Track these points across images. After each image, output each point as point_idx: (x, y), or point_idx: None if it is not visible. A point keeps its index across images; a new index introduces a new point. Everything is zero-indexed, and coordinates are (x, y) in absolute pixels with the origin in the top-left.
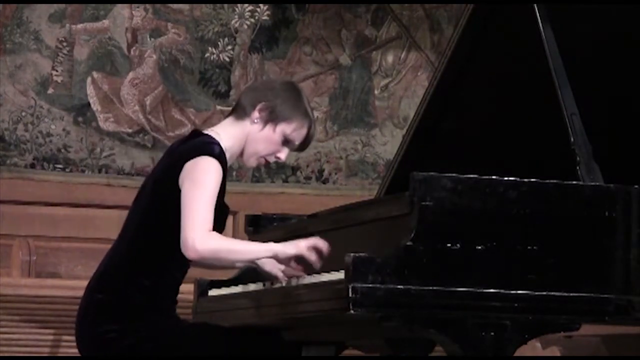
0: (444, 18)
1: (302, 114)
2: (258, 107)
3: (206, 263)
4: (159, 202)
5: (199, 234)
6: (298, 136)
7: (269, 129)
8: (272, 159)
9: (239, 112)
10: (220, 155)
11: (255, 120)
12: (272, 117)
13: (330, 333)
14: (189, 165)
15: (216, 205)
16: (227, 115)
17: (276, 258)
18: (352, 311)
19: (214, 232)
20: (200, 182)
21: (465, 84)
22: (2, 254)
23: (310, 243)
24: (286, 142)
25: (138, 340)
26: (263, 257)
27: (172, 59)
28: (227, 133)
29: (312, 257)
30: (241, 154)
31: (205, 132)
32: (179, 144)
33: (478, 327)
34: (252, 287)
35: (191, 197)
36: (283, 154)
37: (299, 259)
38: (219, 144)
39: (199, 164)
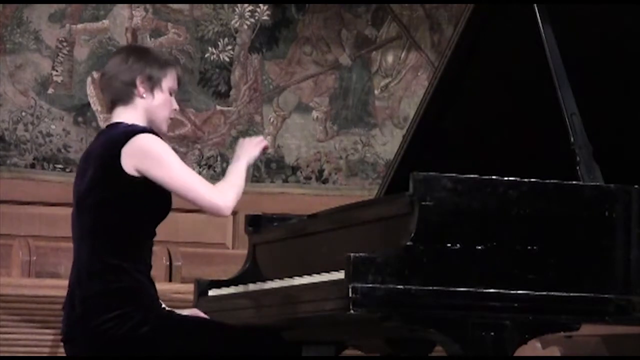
0: (444, 18)
1: (168, 62)
2: (137, 82)
3: None
4: (109, 194)
5: (215, 196)
6: (176, 82)
7: (158, 93)
8: (173, 115)
9: (122, 99)
10: (150, 130)
11: (144, 95)
12: (153, 83)
13: (330, 333)
14: (132, 150)
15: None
16: (112, 109)
17: (249, 164)
18: (352, 311)
19: (219, 186)
20: (163, 158)
21: (465, 84)
22: (2, 254)
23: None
24: (172, 92)
25: (134, 326)
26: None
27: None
28: (130, 119)
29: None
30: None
31: (112, 124)
32: (92, 145)
33: (478, 327)
34: (252, 287)
35: (173, 178)
36: (175, 104)
37: None
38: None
39: (143, 143)
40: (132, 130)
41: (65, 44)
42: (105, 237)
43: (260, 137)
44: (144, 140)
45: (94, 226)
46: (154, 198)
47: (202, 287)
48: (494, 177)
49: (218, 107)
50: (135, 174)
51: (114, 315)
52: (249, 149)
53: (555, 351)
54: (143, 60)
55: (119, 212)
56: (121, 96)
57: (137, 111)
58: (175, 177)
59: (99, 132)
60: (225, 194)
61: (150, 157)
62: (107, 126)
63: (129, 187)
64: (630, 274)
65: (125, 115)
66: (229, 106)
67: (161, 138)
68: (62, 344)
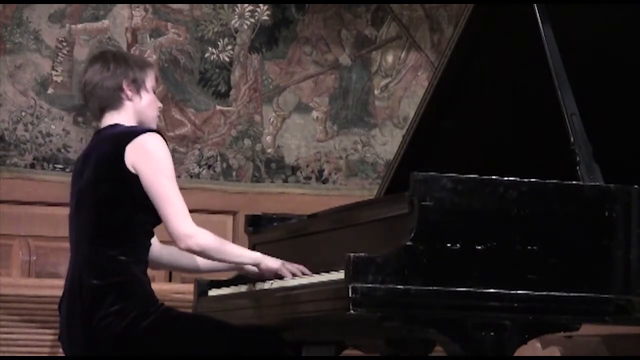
0: (444, 18)
1: (146, 63)
2: (124, 86)
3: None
4: (109, 190)
5: (189, 228)
6: (155, 80)
7: (144, 93)
8: (159, 112)
9: (111, 104)
10: (156, 131)
11: (131, 98)
12: (138, 85)
13: (330, 333)
14: (135, 148)
15: None
16: (102, 116)
17: (258, 267)
18: (352, 311)
19: (204, 230)
20: (161, 165)
21: (466, 84)
22: (2, 254)
23: (294, 267)
24: (154, 91)
25: (133, 320)
26: (247, 263)
27: (172, 59)
28: (123, 122)
29: (289, 276)
30: None
31: (108, 125)
32: (90, 145)
33: (478, 327)
34: (252, 287)
35: (160, 185)
36: (159, 102)
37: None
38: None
39: (147, 144)
40: (140, 130)
41: (65, 44)
42: (105, 233)
43: (295, 266)
44: (150, 141)
45: (93, 223)
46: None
47: (202, 287)
48: (494, 177)
49: (218, 107)
50: (133, 171)
51: (113, 311)
52: (274, 260)
53: (555, 351)
54: (124, 64)
55: (119, 208)
56: (110, 102)
57: (128, 114)
58: (161, 185)
59: (95, 133)
60: (199, 233)
61: (148, 158)
62: (104, 128)
63: (129, 184)
64: (630, 274)
65: (118, 118)
66: (229, 106)
67: (166, 141)
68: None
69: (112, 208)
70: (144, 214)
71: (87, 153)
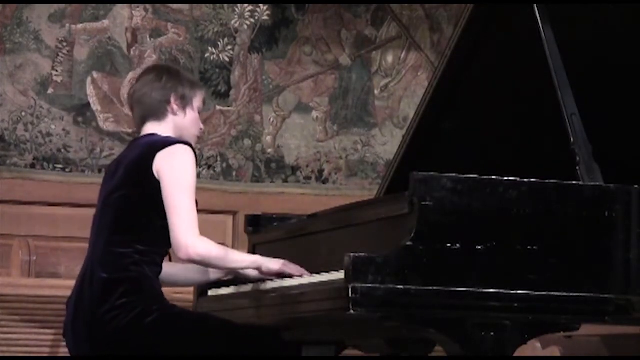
0: (444, 18)
1: (197, 83)
2: (171, 100)
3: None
4: (134, 192)
5: (190, 238)
6: (202, 102)
7: (189, 111)
8: (200, 133)
9: (155, 114)
10: (189, 144)
11: (177, 113)
12: (185, 101)
13: (330, 333)
14: (164, 154)
15: None
16: (143, 125)
17: (259, 270)
18: (352, 311)
19: (205, 238)
20: (183, 176)
21: (466, 84)
22: (2, 254)
23: (294, 267)
24: (200, 112)
25: (138, 315)
26: (248, 268)
27: (172, 59)
28: (163, 133)
29: (294, 273)
30: None
31: (146, 134)
32: (125, 152)
33: (478, 327)
34: (252, 287)
35: (176, 194)
36: (201, 123)
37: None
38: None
39: (177, 153)
40: (174, 140)
41: (65, 44)
42: (122, 232)
43: (296, 268)
44: (179, 151)
45: (113, 222)
46: None
47: (202, 287)
48: (494, 177)
49: (218, 107)
50: (157, 177)
51: (119, 304)
52: (274, 261)
53: (555, 351)
54: (176, 79)
55: (140, 211)
56: (154, 112)
57: (168, 126)
58: (179, 193)
59: (131, 141)
60: (198, 246)
61: (171, 166)
62: (142, 136)
63: (153, 189)
64: (630, 274)
65: (158, 129)
66: (229, 106)
67: (195, 157)
68: (62, 342)
69: (134, 210)
70: (164, 221)
71: (121, 158)
